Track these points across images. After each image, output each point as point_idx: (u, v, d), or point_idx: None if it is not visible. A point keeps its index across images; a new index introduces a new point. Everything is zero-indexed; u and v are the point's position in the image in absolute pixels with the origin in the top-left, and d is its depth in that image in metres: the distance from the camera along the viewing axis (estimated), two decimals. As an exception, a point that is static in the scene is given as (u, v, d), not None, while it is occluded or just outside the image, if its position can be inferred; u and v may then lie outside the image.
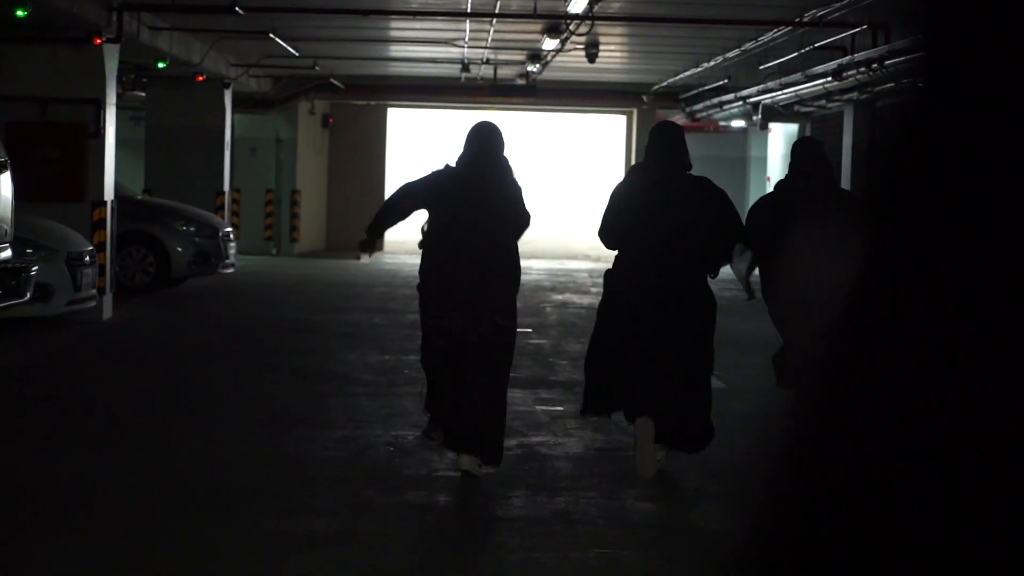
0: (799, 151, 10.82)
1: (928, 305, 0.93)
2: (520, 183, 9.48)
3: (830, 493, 0.96)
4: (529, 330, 18.22)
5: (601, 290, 9.75)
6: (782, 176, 11.50)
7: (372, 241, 9.79)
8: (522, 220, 9.39)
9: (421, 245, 9.46)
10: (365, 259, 33.10)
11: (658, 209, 9.19)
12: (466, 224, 9.19)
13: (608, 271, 9.56)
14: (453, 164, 9.44)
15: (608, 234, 9.44)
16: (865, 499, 0.95)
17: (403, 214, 9.50)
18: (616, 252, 9.52)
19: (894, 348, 0.94)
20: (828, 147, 29.40)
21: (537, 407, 12.33)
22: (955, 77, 0.96)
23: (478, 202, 9.23)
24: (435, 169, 9.52)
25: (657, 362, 9.16)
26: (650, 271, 9.17)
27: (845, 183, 27.04)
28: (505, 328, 9.26)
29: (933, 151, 0.95)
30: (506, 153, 9.46)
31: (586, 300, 22.79)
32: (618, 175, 9.41)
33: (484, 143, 9.39)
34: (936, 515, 0.92)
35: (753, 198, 36.29)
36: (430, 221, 9.44)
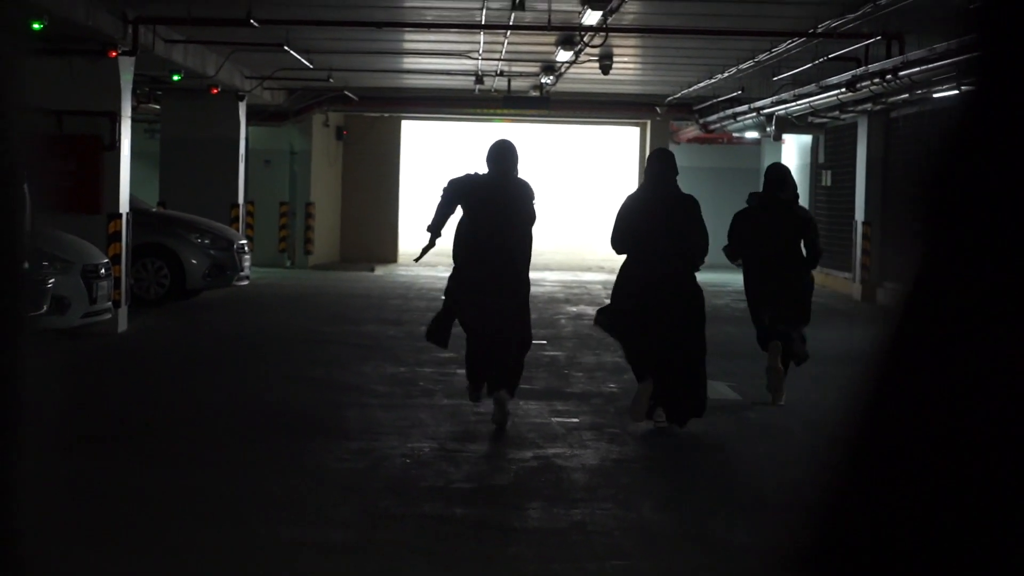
0: (769, 174, 13.60)
1: (988, 308, 0.92)
2: (531, 186, 11.95)
3: (886, 501, 0.95)
4: (544, 342, 18.22)
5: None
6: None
7: (433, 242, 11.96)
8: (531, 216, 11.81)
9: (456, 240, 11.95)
10: (379, 271, 33.13)
11: (660, 220, 11.49)
12: (493, 217, 11.59)
13: (623, 265, 11.84)
14: (481, 172, 11.84)
15: (619, 243, 11.73)
16: (919, 507, 0.94)
17: (451, 209, 11.82)
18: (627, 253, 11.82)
19: (955, 352, 0.93)
20: (843, 157, 29.26)
21: (553, 419, 12.32)
22: (1011, 77, 0.95)
23: (501, 202, 11.64)
24: (465, 174, 11.92)
25: (659, 337, 11.39)
26: (655, 265, 11.46)
27: (860, 192, 27.07)
28: (522, 296, 11.78)
29: (989, 151, 0.94)
30: (520, 163, 11.89)
31: (600, 311, 22.79)
32: (631, 186, 11.85)
33: (504, 157, 11.78)
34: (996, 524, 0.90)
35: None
36: (460, 228, 11.89)
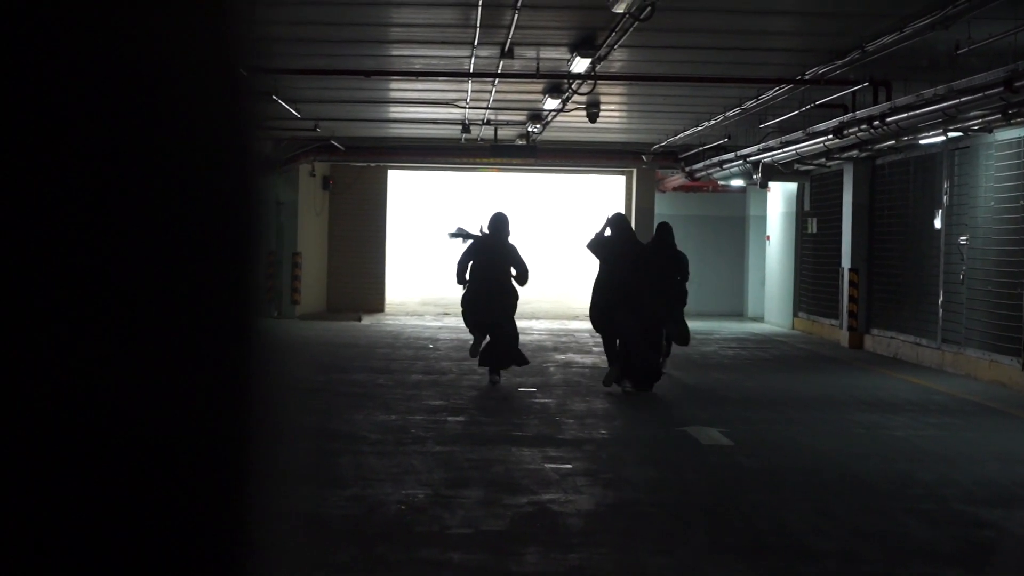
0: (658, 231, 19.38)
1: None
2: (517, 244, 18.62)
3: None
4: (534, 389, 18.21)
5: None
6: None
7: (463, 283, 18.76)
8: (524, 269, 18.54)
9: (465, 284, 18.85)
10: (366, 321, 33.12)
11: (624, 260, 17.88)
12: (489, 270, 18.52)
13: (595, 280, 18.44)
14: (485, 231, 18.65)
15: (594, 251, 18.22)
16: None
17: (468, 261, 18.60)
18: (597, 274, 18.38)
19: None
20: (829, 205, 29.56)
21: (546, 465, 12.30)
22: None
23: (496, 259, 18.53)
24: (475, 238, 18.66)
25: (626, 334, 17.64)
26: (622, 287, 17.77)
27: (847, 239, 27.12)
28: (508, 321, 18.65)
29: None
30: (511, 228, 18.77)
31: (588, 360, 22.75)
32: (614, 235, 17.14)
33: (499, 226, 18.67)
34: None
35: (753, 258, 36.42)
36: (471, 268, 18.63)
